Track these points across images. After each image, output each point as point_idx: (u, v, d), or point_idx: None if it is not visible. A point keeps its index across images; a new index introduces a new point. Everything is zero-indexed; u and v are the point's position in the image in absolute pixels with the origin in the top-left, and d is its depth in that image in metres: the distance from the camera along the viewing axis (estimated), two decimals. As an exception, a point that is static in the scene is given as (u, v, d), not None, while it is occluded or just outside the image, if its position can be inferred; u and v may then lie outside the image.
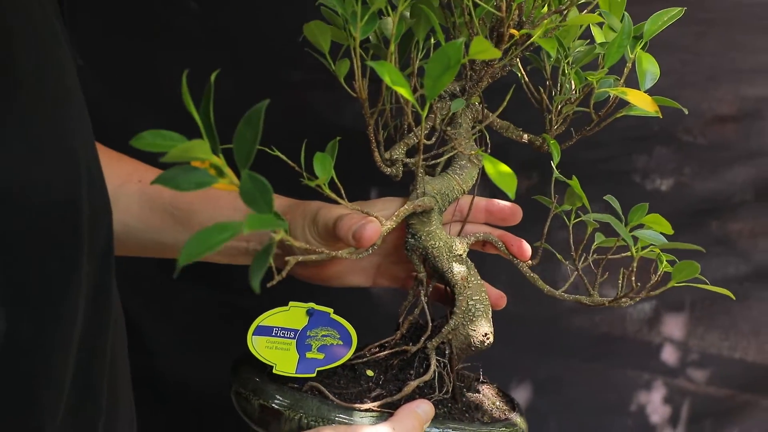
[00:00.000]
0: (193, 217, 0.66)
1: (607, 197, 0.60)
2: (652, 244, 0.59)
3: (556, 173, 0.60)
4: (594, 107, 0.61)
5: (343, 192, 0.53)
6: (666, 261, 0.60)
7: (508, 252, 0.65)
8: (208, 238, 0.38)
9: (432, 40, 0.60)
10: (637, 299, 0.61)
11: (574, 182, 0.59)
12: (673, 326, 1.30)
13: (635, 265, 0.58)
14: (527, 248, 0.64)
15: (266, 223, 0.40)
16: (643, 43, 0.59)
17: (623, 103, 0.60)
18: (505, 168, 0.50)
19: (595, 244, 0.64)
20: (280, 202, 0.67)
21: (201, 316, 1.24)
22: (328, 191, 0.52)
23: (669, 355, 1.31)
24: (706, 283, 0.59)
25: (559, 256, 0.63)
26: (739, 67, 1.14)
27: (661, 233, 0.58)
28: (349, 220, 0.57)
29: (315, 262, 0.60)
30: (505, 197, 0.65)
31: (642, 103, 0.55)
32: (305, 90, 1.11)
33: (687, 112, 0.56)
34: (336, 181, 0.53)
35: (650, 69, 0.58)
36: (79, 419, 0.49)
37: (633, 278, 0.59)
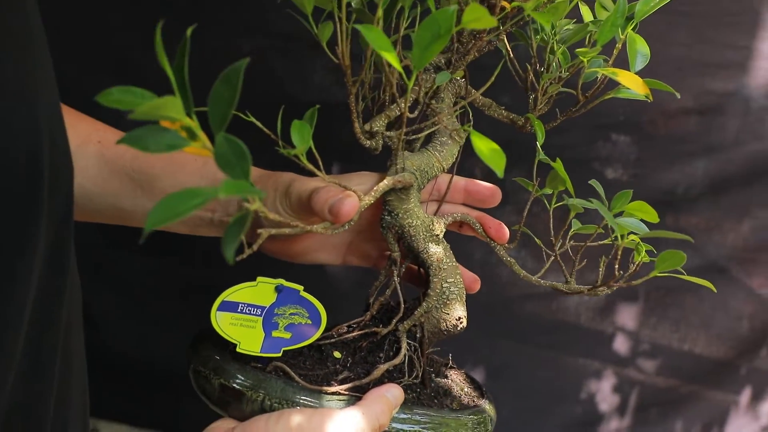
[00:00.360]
0: (155, 182, 0.62)
1: (592, 182, 0.59)
2: (632, 233, 0.57)
3: (540, 154, 0.58)
4: (581, 88, 0.59)
5: (321, 164, 0.49)
6: (645, 251, 0.58)
7: (485, 234, 0.63)
8: (178, 204, 0.35)
9: (419, 8, 0.57)
10: (615, 288, 0.60)
11: (558, 165, 0.58)
12: (627, 316, 1.31)
13: (620, 253, 0.57)
14: (505, 231, 0.62)
15: (243, 189, 0.37)
16: (633, 24, 0.57)
17: (611, 86, 0.58)
18: (493, 145, 0.47)
19: (572, 230, 0.62)
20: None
21: (152, 289, 1.20)
22: (305, 162, 0.49)
23: (621, 344, 1.33)
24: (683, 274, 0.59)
25: (537, 240, 0.61)
26: (706, 61, 1.14)
27: (643, 221, 0.57)
28: (325, 194, 0.54)
29: (286, 236, 0.56)
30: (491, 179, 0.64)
31: (633, 84, 0.53)
32: (270, 59, 1.07)
33: (679, 96, 0.55)
34: (314, 151, 0.50)
35: (641, 50, 0.56)
36: (30, 386, 0.46)
37: (617, 267, 0.57)
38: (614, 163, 1.21)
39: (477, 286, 0.64)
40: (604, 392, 1.34)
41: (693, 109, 1.17)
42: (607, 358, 1.32)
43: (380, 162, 0.62)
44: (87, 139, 0.63)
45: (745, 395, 1.33)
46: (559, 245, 0.61)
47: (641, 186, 1.18)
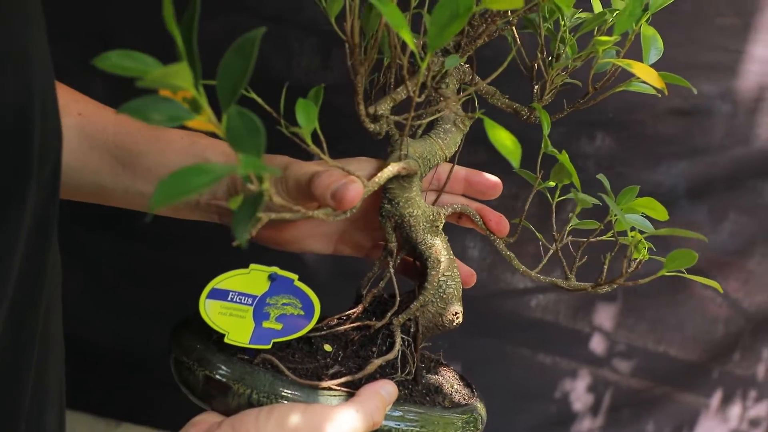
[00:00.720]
0: (138, 159, 0.59)
1: (600, 176, 0.57)
2: (635, 230, 0.56)
3: (547, 145, 0.56)
4: (591, 79, 0.57)
5: (325, 147, 0.47)
6: (645, 250, 0.57)
7: (485, 227, 0.60)
8: (187, 180, 0.32)
9: None
10: (615, 286, 0.58)
11: (564, 157, 0.56)
12: (604, 316, 1.30)
13: (631, 250, 0.55)
14: (506, 224, 0.60)
15: (260, 167, 0.34)
16: (647, 16, 0.56)
17: (621, 78, 0.56)
18: (507, 134, 0.45)
19: (569, 225, 0.60)
20: (227, 147, 0.61)
21: (127, 274, 1.16)
22: (310, 144, 0.46)
23: (597, 344, 1.32)
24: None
25: (539, 235, 0.59)
26: (695, 62, 1.13)
27: (648, 218, 0.56)
28: (327, 178, 0.51)
29: (281, 223, 0.54)
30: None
31: (648, 77, 0.51)
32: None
33: (696, 92, 0.53)
34: (319, 132, 0.47)
35: (655, 42, 0.54)
36: (8, 368, 0.43)
37: (625, 264, 0.56)
38: (600, 160, 1.20)
39: (473, 280, 0.62)
40: (579, 392, 1.34)
41: (681, 110, 1.17)
42: (583, 357, 1.31)
43: (367, 149, 0.60)
44: (66, 110, 0.59)
45: (716, 398, 1.34)
46: (558, 241, 0.60)
47: (624, 185, 1.17)
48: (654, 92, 0.56)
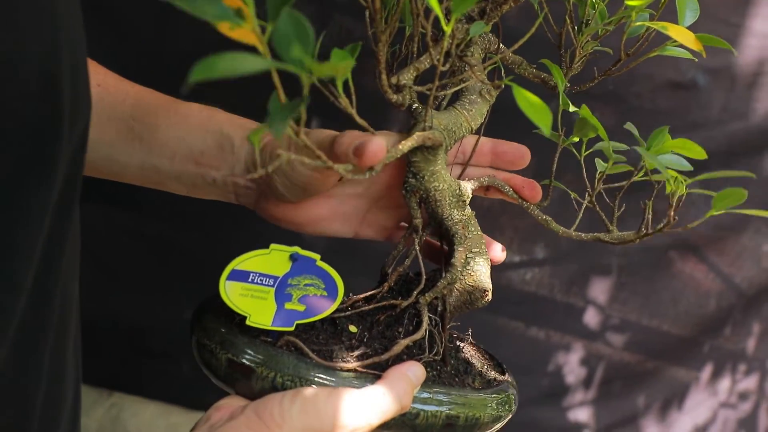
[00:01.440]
0: (155, 133, 0.57)
1: (627, 125, 0.55)
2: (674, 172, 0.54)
3: (566, 104, 0.54)
4: (623, 45, 0.55)
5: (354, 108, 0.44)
6: (683, 186, 0.55)
7: (517, 196, 0.58)
8: (232, 61, 0.31)
9: None
10: (662, 231, 0.56)
11: (585, 110, 0.54)
12: (598, 290, 1.30)
13: (681, 196, 0.53)
14: (539, 189, 0.59)
15: (310, 63, 0.34)
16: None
17: (655, 43, 0.54)
18: (536, 99, 0.43)
19: (600, 171, 0.58)
20: (246, 122, 0.59)
21: (119, 246, 1.13)
22: (342, 96, 0.43)
23: (591, 318, 1.32)
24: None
25: (572, 193, 0.58)
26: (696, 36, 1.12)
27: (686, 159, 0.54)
28: (350, 137, 0.49)
29: (299, 183, 0.53)
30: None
31: (685, 39, 0.49)
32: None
33: (737, 55, 0.51)
34: (351, 84, 0.45)
35: (691, 3, 0.52)
36: (26, 335, 0.41)
37: (671, 212, 0.54)
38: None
39: (502, 257, 0.59)
40: (572, 365, 1.34)
41: (679, 84, 1.16)
42: (576, 331, 1.31)
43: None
44: None
45: (707, 371, 1.35)
46: (591, 194, 0.58)
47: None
48: (690, 56, 0.53)
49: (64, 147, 0.38)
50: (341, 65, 0.38)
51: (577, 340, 1.33)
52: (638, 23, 0.53)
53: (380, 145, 0.47)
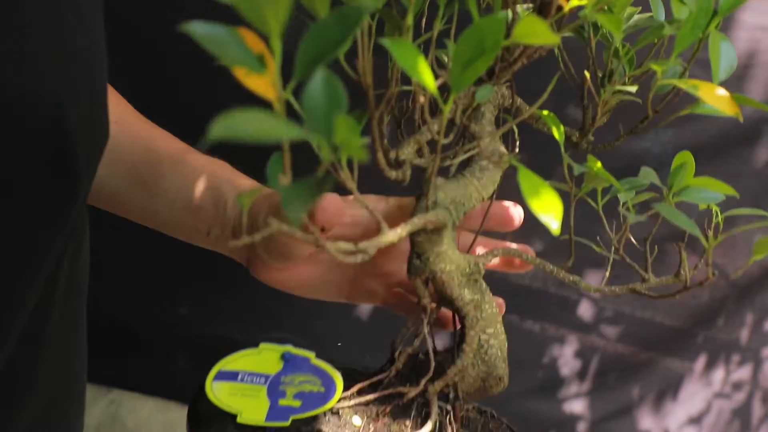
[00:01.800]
0: (158, 180, 0.56)
1: (644, 172, 0.52)
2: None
3: (566, 159, 0.49)
4: (651, 101, 0.50)
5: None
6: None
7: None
8: (263, 125, 0.26)
9: (456, 5, 0.45)
10: (707, 281, 0.52)
11: (594, 164, 0.49)
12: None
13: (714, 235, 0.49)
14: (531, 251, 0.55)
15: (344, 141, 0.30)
16: (717, 22, 0.48)
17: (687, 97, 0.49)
18: (546, 187, 0.37)
19: (626, 222, 0.54)
20: (246, 183, 0.56)
21: (117, 245, 1.08)
22: (345, 168, 0.37)
23: (585, 311, 1.29)
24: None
25: (597, 248, 0.53)
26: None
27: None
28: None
29: (276, 248, 0.51)
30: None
31: (718, 101, 0.44)
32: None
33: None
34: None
35: (728, 53, 0.47)
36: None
37: (709, 270, 0.50)
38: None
39: (501, 311, 0.55)
40: (566, 357, 1.32)
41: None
42: (570, 323, 1.29)
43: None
44: None
45: (700, 362, 1.34)
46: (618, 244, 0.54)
47: (611, 151, 1.12)
48: (737, 117, 0.48)
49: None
50: (356, 145, 0.31)
51: (571, 332, 1.30)
52: (665, 81, 0.47)
53: (334, 202, 0.43)
